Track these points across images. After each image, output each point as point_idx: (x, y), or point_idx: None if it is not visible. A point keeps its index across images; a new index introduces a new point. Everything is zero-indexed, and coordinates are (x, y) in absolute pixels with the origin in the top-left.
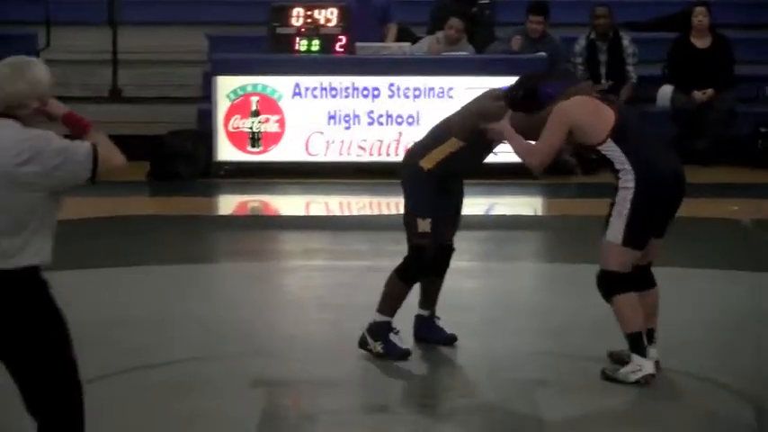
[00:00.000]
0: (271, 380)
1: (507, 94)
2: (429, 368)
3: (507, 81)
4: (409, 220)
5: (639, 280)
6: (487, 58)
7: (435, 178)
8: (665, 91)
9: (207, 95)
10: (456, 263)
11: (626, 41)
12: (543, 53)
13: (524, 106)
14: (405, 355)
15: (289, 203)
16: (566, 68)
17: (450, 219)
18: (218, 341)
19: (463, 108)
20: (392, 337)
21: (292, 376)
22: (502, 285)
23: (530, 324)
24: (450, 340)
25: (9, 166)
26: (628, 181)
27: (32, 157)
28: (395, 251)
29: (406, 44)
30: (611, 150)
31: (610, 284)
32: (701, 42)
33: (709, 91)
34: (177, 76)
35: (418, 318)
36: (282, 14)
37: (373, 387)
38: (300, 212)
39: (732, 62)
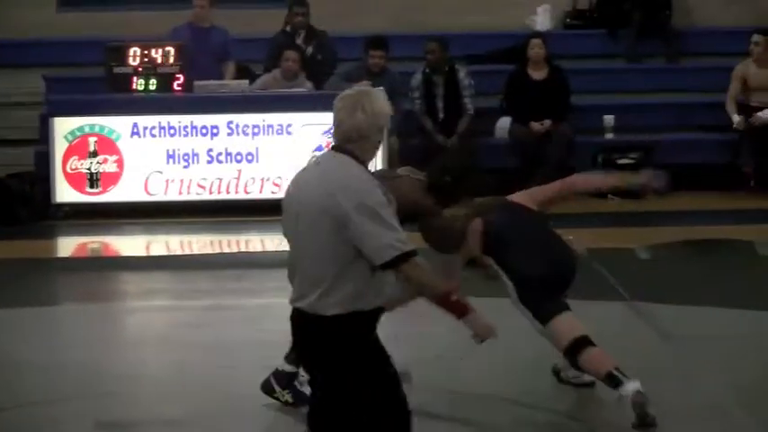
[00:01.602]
0: (117, 421)
1: (431, 183)
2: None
3: None
4: None
5: None
6: (326, 94)
7: None
8: (504, 123)
9: (44, 137)
10: None
11: (461, 74)
12: (382, 87)
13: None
14: None
15: (129, 244)
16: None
17: None
18: (62, 383)
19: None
20: (298, 385)
21: (139, 416)
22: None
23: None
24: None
25: (320, 198)
26: (506, 284)
27: (337, 193)
28: (237, 288)
29: (245, 82)
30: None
31: (571, 356)
32: (538, 74)
33: (547, 122)
34: (14, 118)
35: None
36: (119, 54)
37: (221, 426)
38: (141, 252)
39: (568, 93)
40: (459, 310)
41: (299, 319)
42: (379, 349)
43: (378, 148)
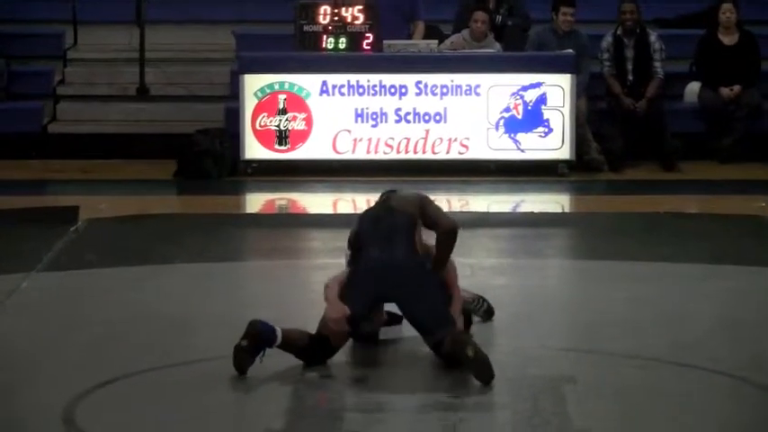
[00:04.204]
0: (296, 377)
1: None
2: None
3: (534, 78)
4: None
5: None
6: (514, 56)
7: None
8: (693, 87)
9: (234, 94)
10: (484, 260)
11: (653, 37)
12: (570, 50)
13: None
14: None
15: (316, 201)
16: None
17: None
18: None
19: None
20: None
21: (318, 373)
22: (530, 282)
23: (559, 321)
24: None
25: None
26: None
27: None
28: None
29: (434, 42)
30: None
31: None
32: (729, 39)
33: (737, 87)
34: (204, 74)
35: None
36: (309, 12)
37: (398, 384)
38: (328, 210)
39: (759, 59)
40: None
41: None
42: None
43: None
